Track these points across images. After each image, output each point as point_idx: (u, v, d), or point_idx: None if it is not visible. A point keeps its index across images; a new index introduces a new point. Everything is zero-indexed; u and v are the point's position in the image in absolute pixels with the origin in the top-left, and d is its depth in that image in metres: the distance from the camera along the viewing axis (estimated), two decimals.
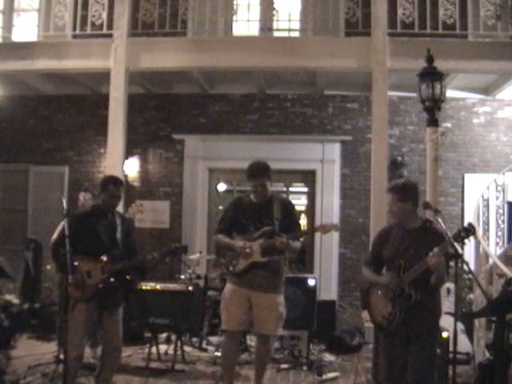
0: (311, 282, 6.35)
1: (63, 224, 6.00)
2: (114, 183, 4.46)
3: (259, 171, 4.49)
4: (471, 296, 6.43)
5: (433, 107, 6.13)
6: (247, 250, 4.41)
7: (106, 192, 4.42)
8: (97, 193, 4.95)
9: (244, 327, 4.68)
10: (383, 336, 3.91)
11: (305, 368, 5.89)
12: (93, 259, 4.29)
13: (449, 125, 8.35)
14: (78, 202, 6.23)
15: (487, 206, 7.13)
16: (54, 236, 6.27)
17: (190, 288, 6.26)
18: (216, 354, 6.04)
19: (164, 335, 6.64)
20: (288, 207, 4.65)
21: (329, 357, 6.38)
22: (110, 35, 7.43)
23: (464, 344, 5.75)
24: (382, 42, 7.08)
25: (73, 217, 4.61)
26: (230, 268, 4.54)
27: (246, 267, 4.45)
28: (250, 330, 5.50)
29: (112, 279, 4.30)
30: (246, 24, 7.77)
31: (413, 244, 3.67)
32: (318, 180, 8.63)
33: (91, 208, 4.77)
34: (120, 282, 4.38)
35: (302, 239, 4.70)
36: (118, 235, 4.42)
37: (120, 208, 6.92)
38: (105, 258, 4.30)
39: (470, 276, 5.89)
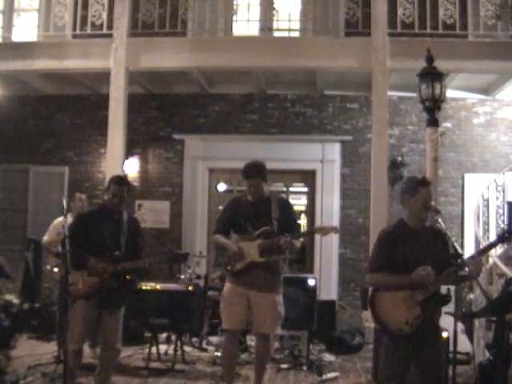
0: (311, 282, 6.35)
1: (55, 224, 6.01)
2: (115, 183, 4.46)
3: (252, 171, 4.49)
4: (471, 296, 6.43)
5: (433, 107, 6.13)
6: (239, 255, 4.42)
7: (109, 191, 4.43)
8: (99, 193, 4.96)
9: (244, 326, 4.69)
10: (395, 340, 3.56)
11: (305, 368, 5.88)
12: (95, 259, 4.29)
13: (449, 125, 8.35)
14: (71, 204, 6.16)
15: (487, 206, 7.14)
16: (45, 238, 6.26)
17: (190, 288, 6.26)
18: (216, 353, 6.04)
19: (164, 335, 6.64)
20: (286, 207, 4.64)
21: (329, 357, 6.37)
22: (110, 35, 7.43)
23: (464, 344, 5.74)
24: (382, 41, 7.09)
25: (78, 216, 4.63)
26: (229, 267, 4.54)
27: (244, 267, 4.45)
28: (250, 330, 5.51)
29: (111, 280, 4.29)
30: (246, 24, 7.78)
31: (429, 245, 3.57)
32: (318, 180, 8.63)
33: (98, 208, 4.77)
34: (120, 283, 4.37)
35: (301, 239, 4.70)
36: (123, 236, 4.40)
37: None
38: (106, 259, 4.30)
39: None
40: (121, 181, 4.53)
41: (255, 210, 4.52)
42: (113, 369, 4.57)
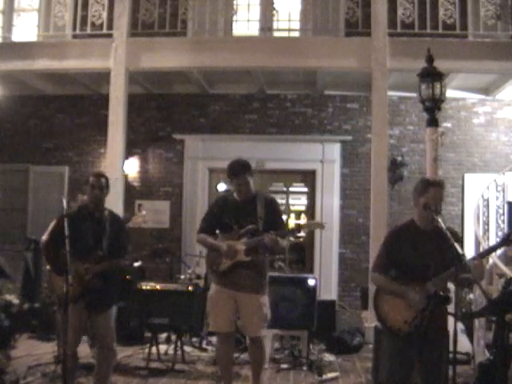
0: (311, 282, 6.34)
1: (53, 224, 5.99)
2: (93, 175, 4.44)
3: (240, 169, 4.45)
4: (471, 296, 6.43)
5: (433, 107, 6.13)
6: (232, 252, 4.35)
7: (88, 185, 4.40)
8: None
9: (233, 328, 4.57)
10: (397, 339, 3.57)
11: (305, 368, 5.88)
12: (78, 260, 4.23)
13: (449, 125, 8.36)
14: (72, 205, 6.15)
15: (487, 206, 7.14)
16: (44, 237, 6.25)
17: (190, 288, 6.25)
18: None
19: (164, 335, 6.64)
20: (271, 205, 4.55)
21: (329, 357, 6.37)
22: (110, 35, 7.43)
23: (464, 344, 5.74)
24: (382, 41, 7.09)
25: (58, 219, 4.57)
26: (214, 267, 4.48)
27: (230, 267, 4.37)
28: None
29: (95, 280, 4.24)
30: (246, 24, 7.78)
31: (436, 247, 3.55)
32: (318, 180, 8.64)
33: (78, 208, 4.70)
34: (105, 283, 4.31)
35: (297, 238, 4.65)
36: (105, 235, 4.35)
37: (120, 208, 6.94)
38: (90, 260, 4.26)
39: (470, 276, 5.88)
40: (98, 172, 4.56)
41: (241, 209, 4.45)
42: (110, 369, 4.53)
